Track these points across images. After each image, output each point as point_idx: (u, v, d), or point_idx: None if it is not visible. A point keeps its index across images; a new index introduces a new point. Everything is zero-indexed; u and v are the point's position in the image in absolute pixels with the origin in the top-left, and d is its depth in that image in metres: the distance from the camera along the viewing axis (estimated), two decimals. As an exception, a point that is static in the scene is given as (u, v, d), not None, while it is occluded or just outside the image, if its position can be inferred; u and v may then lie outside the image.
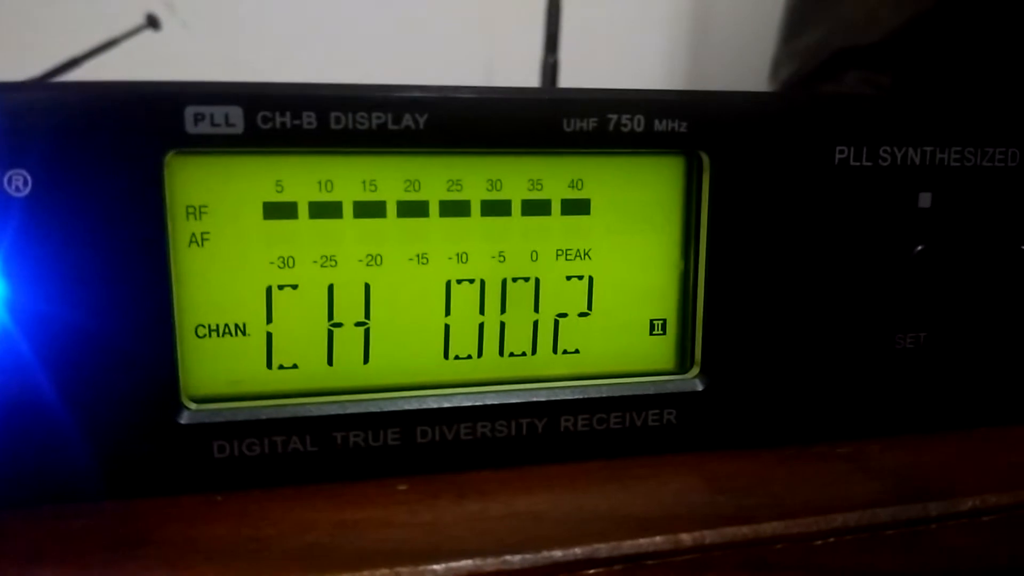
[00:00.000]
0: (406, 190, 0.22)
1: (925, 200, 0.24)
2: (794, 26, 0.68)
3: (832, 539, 0.20)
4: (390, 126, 0.20)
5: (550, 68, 0.79)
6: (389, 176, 0.22)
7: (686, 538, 0.19)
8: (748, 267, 0.24)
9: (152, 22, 0.72)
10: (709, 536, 0.19)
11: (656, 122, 0.22)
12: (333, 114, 0.20)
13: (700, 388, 0.24)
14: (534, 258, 0.23)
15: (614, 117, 0.22)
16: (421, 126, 0.21)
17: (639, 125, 0.22)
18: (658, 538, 0.19)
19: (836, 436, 0.25)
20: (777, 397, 0.24)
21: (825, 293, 0.24)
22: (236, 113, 0.20)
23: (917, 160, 0.24)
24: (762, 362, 0.24)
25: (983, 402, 0.26)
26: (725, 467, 0.23)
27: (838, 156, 0.24)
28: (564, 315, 0.23)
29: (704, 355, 0.24)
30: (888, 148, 0.24)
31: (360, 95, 0.20)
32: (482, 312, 0.23)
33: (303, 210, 0.21)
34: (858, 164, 0.24)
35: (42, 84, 0.19)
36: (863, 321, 0.24)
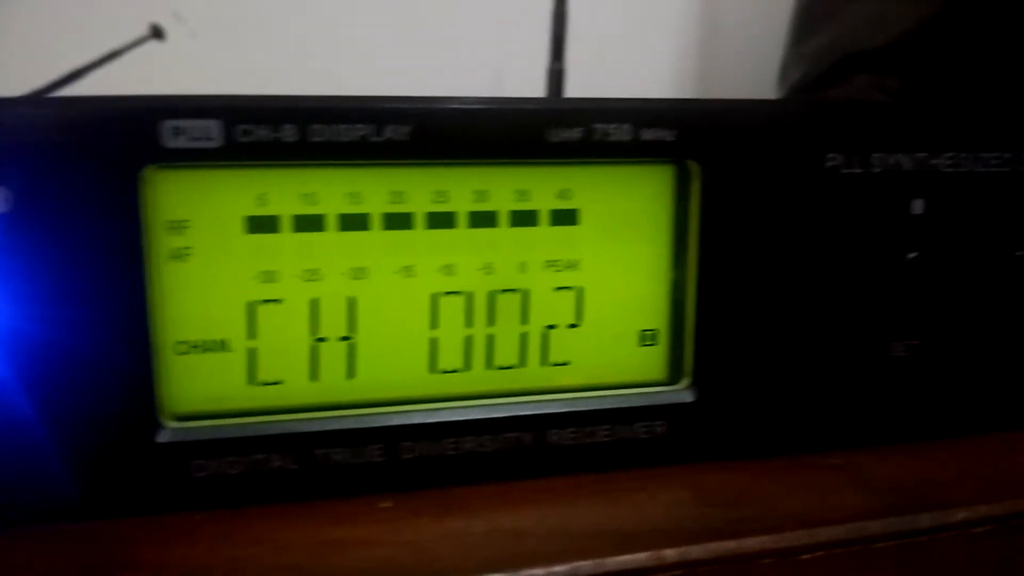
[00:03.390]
0: (391, 202, 0.22)
1: (918, 207, 0.24)
2: (802, 30, 0.67)
3: (820, 553, 0.20)
4: (373, 138, 0.20)
5: (556, 76, 0.79)
6: (373, 188, 0.21)
7: (671, 554, 0.19)
8: (740, 276, 0.23)
9: (156, 33, 0.72)
10: (694, 552, 0.19)
11: (643, 131, 0.22)
12: (314, 126, 0.20)
13: (691, 399, 0.24)
14: (522, 269, 0.23)
15: (600, 127, 0.22)
16: (405, 137, 0.20)
17: (626, 134, 0.22)
18: (642, 554, 0.19)
19: (828, 446, 0.25)
20: (769, 407, 0.24)
21: (817, 301, 0.24)
22: (214, 127, 0.19)
23: (909, 166, 0.24)
24: (754, 372, 0.24)
25: (977, 410, 0.26)
26: (714, 479, 0.23)
27: (829, 163, 0.23)
28: (553, 327, 0.23)
29: (695, 366, 0.24)
30: (880, 155, 0.23)
31: (341, 107, 0.20)
32: (469, 325, 0.23)
33: (286, 224, 0.21)
34: (849, 171, 0.23)
35: (19, 100, 0.19)
36: (856, 329, 0.24)
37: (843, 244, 0.24)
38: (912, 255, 0.24)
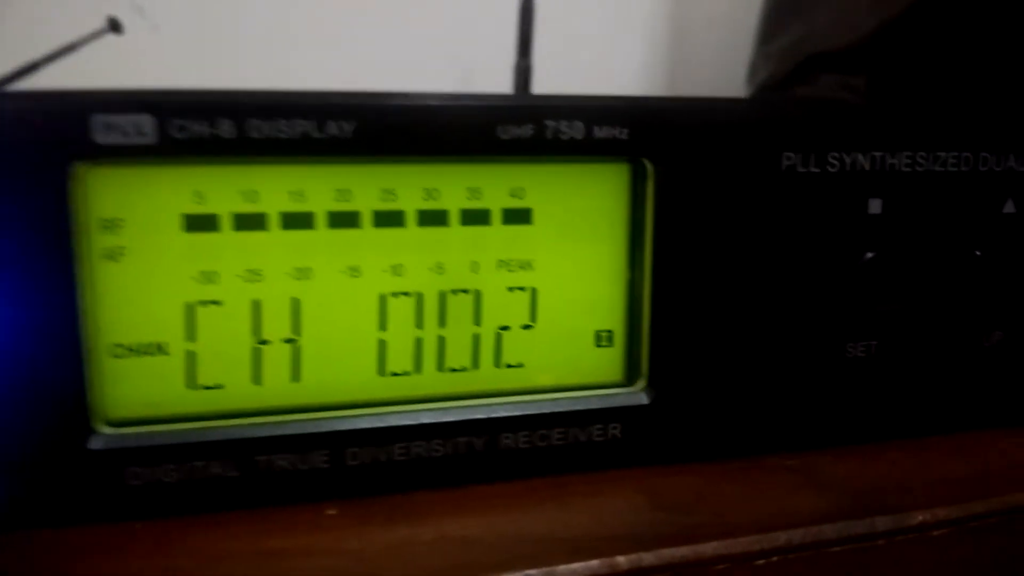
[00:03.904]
0: (336, 200, 0.21)
1: (875, 206, 0.24)
2: (769, 29, 0.67)
3: (776, 558, 0.20)
4: (314, 134, 0.20)
5: (523, 73, 0.78)
6: (318, 186, 0.21)
7: (622, 561, 0.18)
8: (695, 276, 0.23)
9: (114, 26, 0.71)
10: (647, 558, 0.19)
11: (596, 129, 0.21)
12: (252, 122, 0.19)
13: (646, 401, 0.23)
14: (474, 269, 0.22)
15: (552, 124, 0.21)
16: (349, 134, 0.20)
17: (578, 132, 0.21)
18: (593, 561, 0.18)
19: (785, 448, 0.24)
20: (725, 409, 0.24)
21: (774, 302, 0.23)
22: (147, 122, 0.19)
23: (867, 166, 0.23)
24: (710, 373, 0.23)
25: (935, 411, 0.26)
26: (669, 483, 0.22)
27: (785, 162, 0.23)
28: (507, 328, 0.23)
29: (651, 367, 0.23)
30: (836, 154, 0.23)
31: (280, 102, 0.19)
32: (419, 326, 0.22)
33: (226, 222, 0.20)
34: (806, 170, 0.23)
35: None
36: (813, 330, 0.24)
37: (800, 244, 0.23)
38: (869, 255, 0.24)
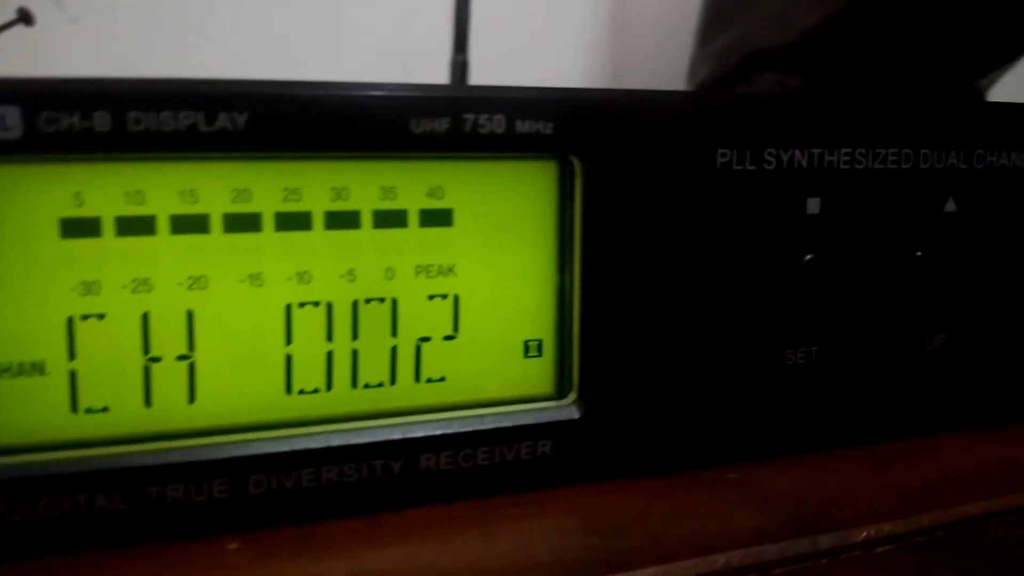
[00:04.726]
0: (233, 201, 0.19)
1: (814, 206, 0.23)
2: (710, 28, 0.67)
3: (715, 585, 0.18)
4: (202, 127, 0.18)
5: (459, 68, 0.76)
6: (212, 185, 0.19)
7: (550, 595, 0.17)
8: (628, 281, 0.21)
9: (24, 17, 0.67)
10: (577, 591, 0.17)
11: (519, 123, 0.20)
12: (131, 114, 0.17)
13: (578, 415, 0.22)
14: (390, 276, 0.20)
15: (470, 117, 0.19)
16: (242, 126, 0.18)
17: (499, 126, 0.20)
18: (518, 597, 0.17)
19: (725, 460, 0.23)
20: (661, 421, 0.22)
21: (710, 307, 0.22)
22: (12, 114, 0.16)
23: (804, 163, 0.22)
24: (645, 384, 0.22)
25: (878, 417, 0.25)
26: (603, 502, 0.21)
27: (720, 160, 0.22)
28: (427, 339, 0.21)
29: (582, 378, 0.22)
30: (773, 150, 0.22)
31: (163, 91, 0.17)
32: (330, 339, 0.20)
33: (108, 226, 0.18)
34: (742, 168, 0.22)
35: None
36: (751, 336, 0.23)
37: (736, 246, 0.22)
38: (808, 257, 0.23)
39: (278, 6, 0.74)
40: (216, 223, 0.19)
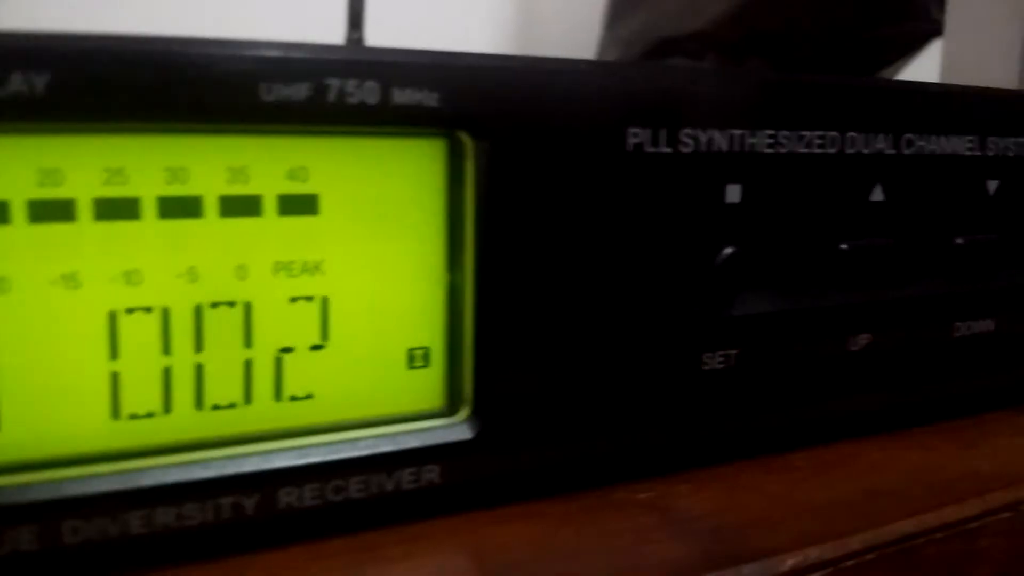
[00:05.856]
0: (40, 184, 0.15)
1: (733, 194, 0.20)
2: (617, 13, 0.66)
3: (627, 635, 0.16)
4: (-13, 90, 0.14)
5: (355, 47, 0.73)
6: (11, 165, 0.15)
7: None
8: (527, 278, 0.19)
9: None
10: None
11: (396, 92, 0.17)
12: None
13: (471, 435, 0.19)
14: (241, 275, 0.17)
15: (335, 83, 0.16)
16: (41, 91, 0.14)
17: (371, 95, 0.16)
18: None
19: (637, 475, 0.21)
20: (566, 436, 0.20)
21: (619, 308, 0.20)
22: None
23: (724, 146, 0.20)
24: (547, 395, 0.19)
25: (800, 423, 0.23)
26: (499, 533, 0.18)
27: (631, 140, 0.19)
28: (289, 350, 0.18)
29: (477, 391, 0.19)
30: (690, 131, 0.19)
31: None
32: (167, 352, 0.17)
33: None
34: (655, 150, 0.19)
35: None
36: (665, 339, 0.20)
37: (648, 238, 0.20)
38: (727, 250, 0.20)
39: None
40: (18, 212, 0.15)
